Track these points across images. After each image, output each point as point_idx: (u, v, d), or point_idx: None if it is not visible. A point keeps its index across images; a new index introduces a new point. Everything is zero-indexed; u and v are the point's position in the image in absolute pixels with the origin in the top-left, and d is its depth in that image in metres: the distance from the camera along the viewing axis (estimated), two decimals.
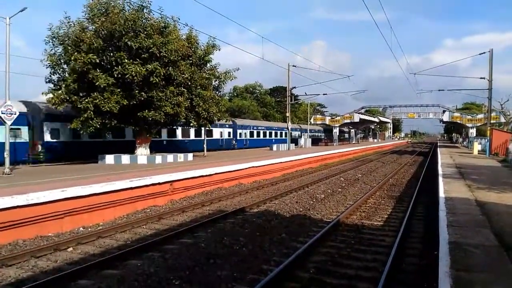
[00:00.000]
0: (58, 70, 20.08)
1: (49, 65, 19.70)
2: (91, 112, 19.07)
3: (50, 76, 20.31)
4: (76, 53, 18.45)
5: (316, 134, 70.03)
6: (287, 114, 43.61)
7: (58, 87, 20.03)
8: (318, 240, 9.14)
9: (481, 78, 34.82)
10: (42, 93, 20.12)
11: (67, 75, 19.67)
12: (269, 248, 8.84)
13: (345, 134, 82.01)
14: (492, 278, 4.74)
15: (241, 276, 7.12)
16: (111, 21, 18.63)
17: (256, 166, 21.73)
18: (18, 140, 21.08)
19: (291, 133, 44.54)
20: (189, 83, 21.83)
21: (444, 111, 63.88)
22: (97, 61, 18.64)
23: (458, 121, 57.75)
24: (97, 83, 18.53)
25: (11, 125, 16.54)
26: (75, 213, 11.14)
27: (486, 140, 35.37)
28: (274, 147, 39.61)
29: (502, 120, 52.09)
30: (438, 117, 76.01)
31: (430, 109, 77.60)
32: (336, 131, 62.30)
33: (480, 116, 53.83)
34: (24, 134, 21.60)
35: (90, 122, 19.41)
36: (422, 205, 14.17)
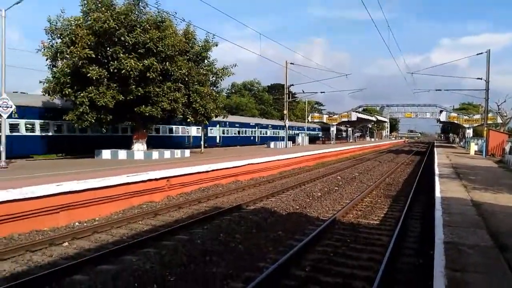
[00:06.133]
0: (56, 63, 19.91)
1: (47, 57, 19.56)
2: (86, 107, 18.96)
3: (51, 66, 20.11)
4: (72, 47, 18.34)
5: (314, 132, 70.05)
6: (285, 112, 43.52)
7: (53, 78, 19.81)
8: (314, 238, 9.14)
9: (478, 78, 34.91)
10: (40, 82, 19.95)
11: (61, 66, 19.41)
12: (265, 246, 8.84)
13: (343, 133, 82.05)
14: (487, 278, 4.75)
15: (237, 273, 7.12)
16: (101, 18, 18.45)
17: (253, 164, 21.72)
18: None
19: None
20: (186, 79, 21.79)
21: (441, 111, 64.11)
22: (93, 56, 18.51)
23: (455, 121, 57.94)
24: (88, 75, 18.42)
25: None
26: (71, 207, 11.10)
27: (482, 141, 35.47)
28: (272, 144, 39.46)
29: (499, 120, 52.30)
30: (435, 117, 76.22)
31: (427, 108, 77.89)
32: (333, 129, 62.37)
33: (477, 116, 54.00)
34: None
35: (85, 116, 19.29)
36: (419, 204, 14.20)
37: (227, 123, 42.01)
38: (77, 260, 7.61)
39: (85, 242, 9.35)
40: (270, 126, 55.32)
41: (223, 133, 41.99)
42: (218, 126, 40.52)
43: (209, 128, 38.20)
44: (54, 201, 10.56)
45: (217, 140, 40.88)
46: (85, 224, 10.99)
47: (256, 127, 50.86)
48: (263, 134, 52.31)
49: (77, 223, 10.96)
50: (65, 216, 10.91)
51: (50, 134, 22.71)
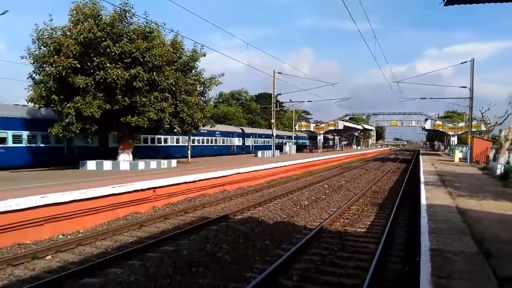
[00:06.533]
0: (40, 70, 19.65)
1: (32, 63, 19.32)
2: (73, 117, 18.72)
3: (33, 73, 19.89)
4: (56, 56, 18.14)
5: (301, 141, 70.32)
6: (273, 121, 43.65)
7: (38, 85, 19.55)
8: (302, 247, 9.12)
9: (462, 87, 35.49)
10: (25, 89, 19.75)
11: (46, 76, 19.20)
12: (252, 256, 8.78)
13: (330, 141, 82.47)
14: (472, 285, 4.77)
15: (224, 284, 7.04)
16: (85, 28, 18.34)
17: (241, 173, 21.66)
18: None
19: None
20: (174, 89, 21.69)
21: (426, 119, 64.75)
22: (78, 66, 18.32)
23: (440, 129, 58.65)
24: (75, 84, 18.22)
25: None
26: (55, 220, 10.90)
27: (467, 148, 35.97)
28: (259, 153, 39.53)
29: (483, 128, 52.95)
30: (420, 125, 77.09)
31: (412, 117, 78.77)
32: (320, 138, 62.60)
33: (462, 124, 54.76)
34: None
35: (71, 127, 19.04)
36: (404, 212, 14.29)
37: (257, 134, 54.88)
38: (60, 274, 7.45)
39: (69, 255, 9.17)
40: (285, 136, 62.86)
41: (254, 143, 52.79)
42: (251, 137, 51.95)
43: (246, 138, 49.72)
44: (38, 213, 10.36)
45: (250, 149, 50.29)
46: (69, 236, 10.79)
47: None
48: (279, 143, 58.66)
49: (61, 236, 10.76)
50: (49, 229, 10.71)
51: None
